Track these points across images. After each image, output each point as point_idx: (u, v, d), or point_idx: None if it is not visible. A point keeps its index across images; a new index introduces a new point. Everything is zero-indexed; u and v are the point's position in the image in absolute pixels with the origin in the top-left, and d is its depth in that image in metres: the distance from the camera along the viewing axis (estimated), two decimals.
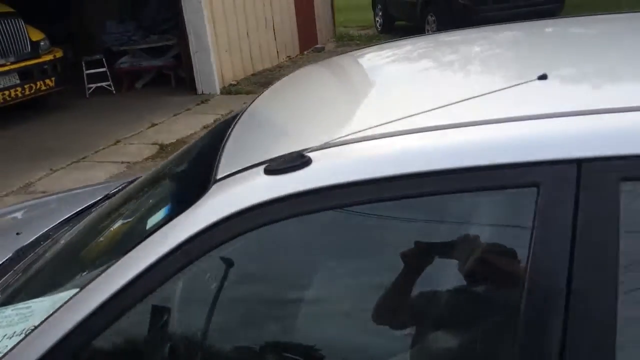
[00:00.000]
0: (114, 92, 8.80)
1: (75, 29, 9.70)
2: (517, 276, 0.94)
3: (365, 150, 1.03)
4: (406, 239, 1.04)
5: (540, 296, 0.92)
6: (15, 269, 1.71)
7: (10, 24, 7.20)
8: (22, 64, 7.23)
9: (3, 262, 1.79)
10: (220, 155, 1.22)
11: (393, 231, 1.09)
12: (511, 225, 1.02)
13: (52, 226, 1.94)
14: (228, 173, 1.11)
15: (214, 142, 1.36)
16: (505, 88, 1.03)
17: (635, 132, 0.93)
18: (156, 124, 6.90)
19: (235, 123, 1.41)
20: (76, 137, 6.63)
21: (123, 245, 1.19)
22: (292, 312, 1.18)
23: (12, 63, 7.12)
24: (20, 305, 1.42)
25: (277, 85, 1.77)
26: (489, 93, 1.01)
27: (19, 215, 2.28)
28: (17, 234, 2.10)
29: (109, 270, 1.08)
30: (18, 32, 7.27)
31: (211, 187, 1.10)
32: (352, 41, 11.86)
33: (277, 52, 10.11)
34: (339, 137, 1.05)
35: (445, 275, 1.06)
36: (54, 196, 2.56)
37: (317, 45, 11.24)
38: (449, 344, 1.07)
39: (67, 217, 1.99)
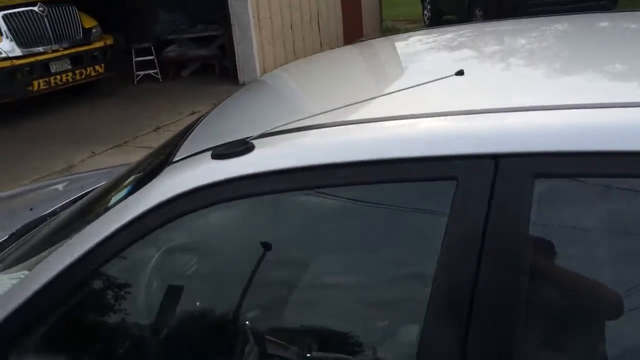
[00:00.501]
0: (161, 80, 9.08)
1: (126, 16, 10.03)
2: (429, 265, 0.98)
3: (302, 139, 1.09)
4: (334, 225, 1.10)
5: (447, 285, 0.95)
6: (17, 242, 1.85)
7: (65, 11, 7.53)
8: (74, 49, 7.55)
9: (10, 235, 1.93)
10: (182, 141, 1.30)
11: (321, 217, 1.15)
12: (429, 214, 1.05)
13: (59, 205, 2.08)
14: (181, 157, 1.19)
15: (186, 130, 1.44)
16: (427, 82, 1.06)
17: (550, 130, 0.95)
18: (195, 112, 7.10)
19: (208, 113, 1.49)
20: (120, 122, 6.91)
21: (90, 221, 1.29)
22: (232, 287, 1.26)
23: (65, 49, 7.46)
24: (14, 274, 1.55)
25: (262, 77, 1.84)
26: (416, 86, 1.05)
27: (33, 194, 2.44)
28: (30, 209, 2.26)
29: (69, 241, 1.19)
30: (71, 19, 7.60)
31: (164, 169, 1.18)
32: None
33: (321, 44, 10.17)
34: (281, 126, 1.10)
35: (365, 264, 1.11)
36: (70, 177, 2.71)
37: (362, 39, 11.24)
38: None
39: (75, 197, 2.13)
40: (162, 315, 1.40)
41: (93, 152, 5.91)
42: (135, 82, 9.01)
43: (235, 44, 8.22)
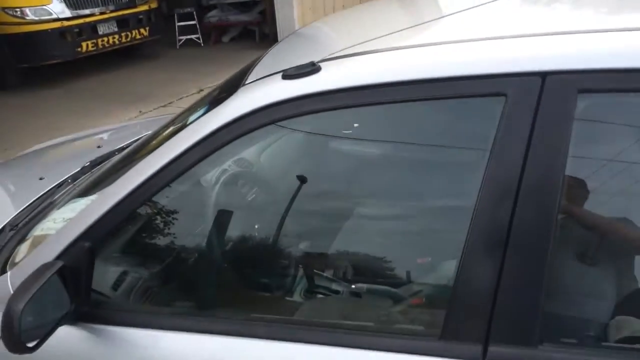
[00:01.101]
0: (202, 44, 9.25)
1: None
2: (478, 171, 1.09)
3: (362, 61, 1.21)
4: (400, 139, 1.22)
5: (494, 191, 1.07)
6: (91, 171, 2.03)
7: None
8: (120, 12, 7.76)
9: (83, 167, 2.11)
10: (253, 67, 1.43)
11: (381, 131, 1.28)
12: (479, 128, 1.17)
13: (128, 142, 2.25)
14: (253, 79, 1.32)
15: (252, 64, 1.58)
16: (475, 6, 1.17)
17: (592, 50, 1.04)
18: None
19: (275, 45, 1.62)
20: (164, 84, 7.12)
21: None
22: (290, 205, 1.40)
23: (112, 11, 7.67)
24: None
25: (314, 22, 1.97)
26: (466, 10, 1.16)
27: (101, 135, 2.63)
28: (98, 147, 2.44)
29: (148, 157, 1.34)
30: None
31: (238, 90, 1.31)
32: None
33: None
34: (342, 50, 1.23)
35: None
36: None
37: None
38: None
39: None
40: (221, 233, 1.56)
41: (141, 112, 6.13)
42: (178, 47, 9.19)
43: (276, 9, 8.29)
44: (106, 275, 1.47)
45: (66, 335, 1.35)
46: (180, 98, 6.57)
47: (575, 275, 1.21)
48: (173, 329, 1.30)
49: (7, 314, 1.17)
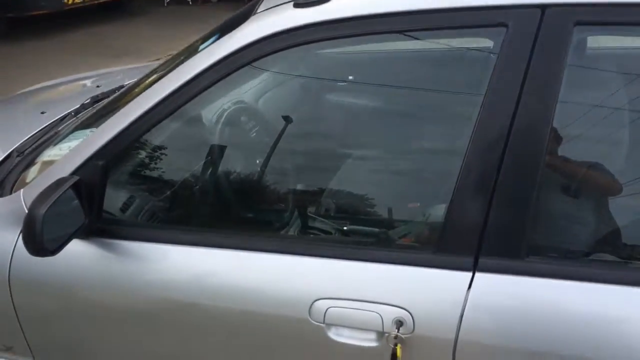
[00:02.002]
0: (190, 3, 9.15)
1: None
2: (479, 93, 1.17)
3: None
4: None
5: (492, 115, 1.15)
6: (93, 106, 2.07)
7: None
8: None
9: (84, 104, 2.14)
10: (260, 2, 1.48)
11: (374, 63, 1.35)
12: (480, 58, 1.25)
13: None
14: (266, 8, 1.38)
15: None
16: None
17: None
18: None
19: None
20: (151, 40, 7.06)
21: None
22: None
23: None
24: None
25: None
26: None
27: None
28: (97, 86, 2.47)
29: (161, 80, 1.39)
30: None
31: (250, 17, 1.37)
32: None
33: None
34: None
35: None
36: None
37: None
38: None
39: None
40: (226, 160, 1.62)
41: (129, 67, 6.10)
42: (165, 4, 9.08)
43: None
44: (117, 197, 1.53)
45: (80, 248, 1.42)
46: (169, 54, 6.52)
47: (559, 204, 1.31)
48: (180, 244, 1.38)
49: (30, 218, 1.23)
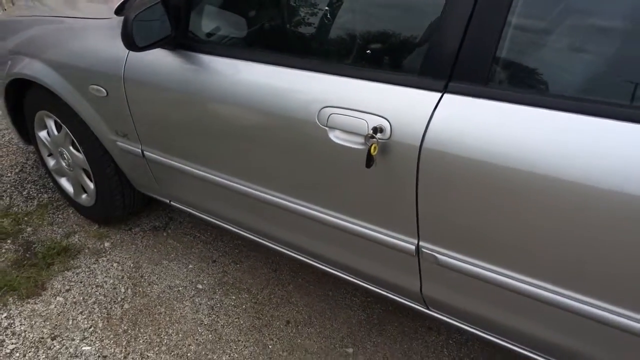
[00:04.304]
0: None
1: None
2: None
3: None
4: None
5: None
6: None
7: None
8: None
9: None
10: None
11: None
12: None
13: None
14: None
15: None
16: None
17: None
18: None
19: None
20: None
21: None
22: None
23: None
24: None
25: None
26: None
27: None
28: None
29: None
30: None
31: None
32: None
33: None
34: None
35: None
36: None
37: None
38: None
39: None
40: None
41: None
42: None
43: None
44: (201, 22, 1.93)
45: (168, 58, 1.86)
46: None
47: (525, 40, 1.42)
48: (250, 60, 1.74)
49: (125, 20, 1.68)
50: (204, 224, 2.78)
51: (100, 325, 2.19)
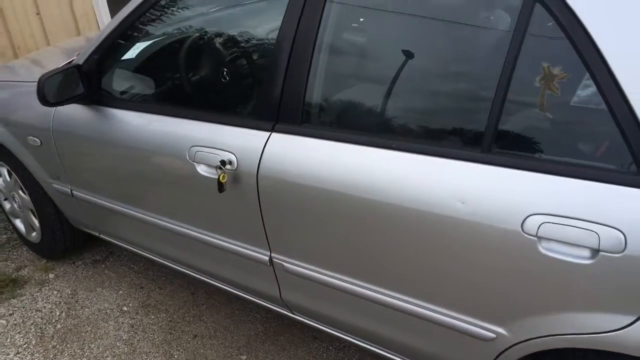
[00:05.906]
0: None
1: None
2: None
3: None
4: None
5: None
6: None
7: None
8: None
9: None
10: None
11: None
12: None
13: None
14: None
15: None
16: None
17: None
18: None
19: None
20: None
21: None
22: None
23: None
24: None
25: None
26: None
27: None
28: None
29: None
30: None
31: None
32: None
33: None
34: None
35: None
36: None
37: None
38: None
39: None
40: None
41: None
42: None
43: None
44: (111, 82, 2.36)
45: (82, 111, 2.29)
46: None
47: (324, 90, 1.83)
48: (159, 114, 2.15)
49: (39, 80, 2.11)
50: (138, 256, 3.15)
51: (33, 342, 2.54)
